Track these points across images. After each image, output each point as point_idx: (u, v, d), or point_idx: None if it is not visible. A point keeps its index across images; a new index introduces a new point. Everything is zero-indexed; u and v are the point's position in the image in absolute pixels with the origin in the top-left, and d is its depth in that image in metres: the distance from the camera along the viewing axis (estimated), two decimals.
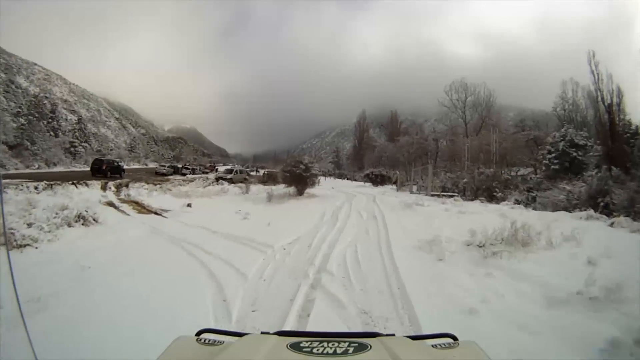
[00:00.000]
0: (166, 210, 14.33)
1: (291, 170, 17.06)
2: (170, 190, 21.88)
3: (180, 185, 25.21)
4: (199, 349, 1.13)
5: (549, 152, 23.48)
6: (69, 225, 10.01)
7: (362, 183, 34.07)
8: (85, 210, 10.97)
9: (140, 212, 13.99)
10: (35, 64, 65.58)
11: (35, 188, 14.27)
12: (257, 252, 7.33)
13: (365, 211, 12.25)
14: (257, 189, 20.67)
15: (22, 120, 35.60)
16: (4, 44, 56.23)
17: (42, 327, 3.23)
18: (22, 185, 14.12)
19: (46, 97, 51.39)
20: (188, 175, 39.00)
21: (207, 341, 1.19)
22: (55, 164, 33.51)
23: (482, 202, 15.87)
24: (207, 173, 45.70)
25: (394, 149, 45.69)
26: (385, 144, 61.39)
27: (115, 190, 19.82)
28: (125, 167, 44.80)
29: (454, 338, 1.22)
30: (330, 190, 20.72)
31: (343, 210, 12.53)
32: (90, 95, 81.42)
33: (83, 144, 45.62)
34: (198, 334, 1.25)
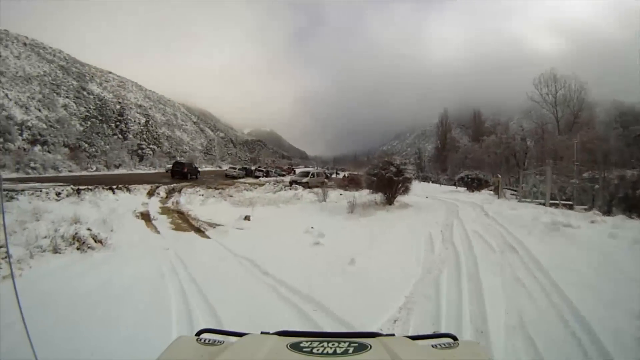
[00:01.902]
0: (215, 225, 12.09)
1: (379, 173, 15.31)
2: (232, 196, 20.16)
3: (247, 190, 23.71)
4: (199, 349, 1.23)
5: None
6: (56, 250, 7.48)
7: (451, 187, 33.22)
8: (88, 229, 8.80)
9: (177, 228, 11.67)
10: (110, 72, 76.21)
11: (58, 194, 12.74)
12: None
13: (489, 234, 8.90)
14: (336, 195, 19.42)
15: (88, 124, 38.28)
16: (79, 55, 68.39)
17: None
18: (41, 192, 12.66)
19: (119, 102, 56.25)
20: (261, 179, 38.70)
21: (207, 341, 1.28)
22: (117, 167, 35.73)
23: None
24: (283, 176, 46.00)
25: (479, 150, 46.40)
26: (469, 144, 62.30)
27: (164, 196, 18.18)
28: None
29: (454, 338, 1.31)
30: (421, 197, 18.55)
31: (455, 232, 9.43)
32: (167, 101, 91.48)
33: (151, 146, 47.93)
34: (198, 333, 1.37)
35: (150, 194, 18.27)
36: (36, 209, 10.38)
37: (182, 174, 30.75)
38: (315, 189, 21.77)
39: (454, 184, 34.44)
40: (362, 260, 6.94)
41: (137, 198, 16.40)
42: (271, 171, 50.37)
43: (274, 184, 27.67)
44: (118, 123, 46.08)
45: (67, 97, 49.20)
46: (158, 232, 10.78)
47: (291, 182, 26.90)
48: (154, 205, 15.22)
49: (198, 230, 11.46)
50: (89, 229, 8.93)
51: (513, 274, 5.92)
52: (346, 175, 35.46)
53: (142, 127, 51.95)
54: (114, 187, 16.49)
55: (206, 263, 7.58)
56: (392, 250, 8.09)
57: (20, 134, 28.29)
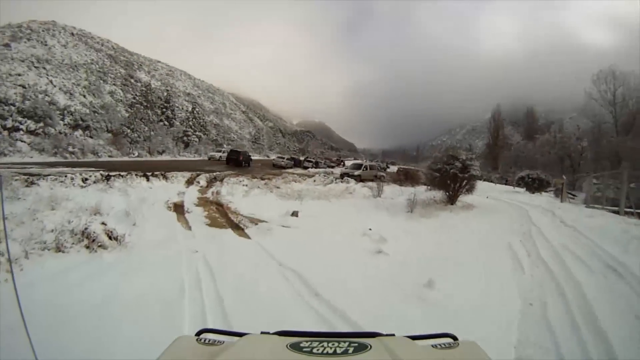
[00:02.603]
0: (257, 221, 10.78)
1: (442, 168, 14.71)
2: (278, 188, 18.89)
3: (295, 181, 22.48)
4: (199, 349, 1.26)
5: None
6: (59, 249, 6.24)
7: (505, 186, 32.77)
8: (102, 223, 7.56)
9: (213, 223, 10.36)
10: (159, 61, 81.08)
11: (84, 180, 11.83)
12: None
13: (582, 250, 7.41)
14: (390, 190, 18.71)
15: (132, 110, 39.54)
16: (128, 46, 72.80)
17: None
18: (66, 177, 11.79)
19: (167, 90, 58.21)
20: (310, 170, 38.32)
21: (207, 341, 1.32)
22: (160, 153, 36.43)
23: None
24: (332, 167, 45.89)
25: (533, 148, 47.25)
26: (522, 143, 63.24)
27: (205, 185, 17.08)
28: None
29: (454, 338, 1.37)
30: (480, 196, 17.21)
31: (539, 245, 8.30)
32: (216, 90, 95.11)
33: (197, 133, 48.49)
34: (198, 333, 1.40)
35: (190, 182, 17.26)
36: (54, 197, 9.44)
37: (237, 161, 33.04)
38: (368, 183, 20.85)
39: (505, 182, 35.02)
40: (442, 282, 5.79)
41: (173, 187, 15.41)
42: (320, 162, 49.84)
43: (324, 176, 26.75)
44: (164, 110, 46.97)
45: (114, 84, 50.98)
46: (189, 228, 9.46)
47: (342, 175, 26.01)
48: (190, 196, 14.09)
49: (237, 227, 10.09)
50: (103, 223, 7.69)
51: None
52: (400, 169, 33.99)
53: (188, 114, 52.74)
54: (149, 174, 15.51)
55: (241, 275, 6.08)
56: (472, 266, 7.01)
57: (62, 119, 28.91)
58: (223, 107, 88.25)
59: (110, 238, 7.45)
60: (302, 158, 48.55)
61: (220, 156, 37.05)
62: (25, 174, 11.88)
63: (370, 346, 1.20)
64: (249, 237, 9.00)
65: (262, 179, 21.33)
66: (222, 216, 11.38)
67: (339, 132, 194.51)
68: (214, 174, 20.57)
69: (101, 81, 48.03)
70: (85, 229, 7.13)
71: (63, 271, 5.84)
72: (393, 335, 1.41)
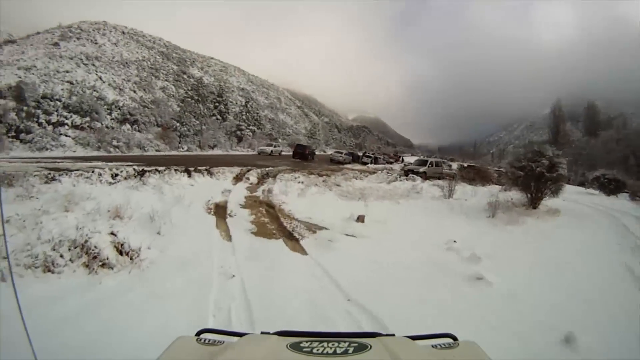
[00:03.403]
0: (316, 228, 9.13)
1: (527, 166, 13.66)
2: (338, 185, 17.15)
3: (356, 178, 20.72)
4: (199, 349, 1.30)
5: None
6: (48, 268, 4.80)
7: (577, 188, 30.78)
8: (112, 233, 5.91)
9: (260, 231, 8.69)
10: (212, 58, 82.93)
11: (114, 176, 10.69)
12: None
13: None
14: (461, 190, 17.22)
15: (182, 105, 40.57)
16: (182, 44, 75.28)
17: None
18: (93, 172, 10.67)
19: (219, 84, 59.58)
20: (369, 165, 36.82)
21: (207, 341, 1.36)
22: (212, 147, 36.21)
23: None
24: (391, 163, 45.21)
25: (596, 145, 49.23)
26: (583, 139, 65.40)
27: (255, 182, 15.58)
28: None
29: (454, 338, 1.43)
30: (559, 199, 15.22)
31: None
32: (270, 85, 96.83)
33: (251, 127, 48.39)
34: (198, 334, 1.45)
35: (238, 178, 15.80)
36: (73, 196, 8.11)
37: (303, 155, 35.73)
38: (439, 182, 19.35)
39: (567, 181, 30.81)
40: (583, 337, 4.31)
41: (219, 184, 13.98)
42: (379, 158, 48.09)
43: (387, 172, 25.05)
44: (217, 104, 47.16)
45: (166, 80, 52.20)
46: (229, 238, 7.75)
47: (407, 172, 24.85)
48: (237, 194, 12.53)
49: (290, 237, 8.30)
50: (112, 233, 6.07)
51: None
52: (468, 166, 32.90)
53: (242, 108, 53.02)
54: (192, 169, 14.14)
55: (292, 318, 4.16)
56: (610, 307, 5.50)
57: (109, 113, 29.33)
58: (278, 102, 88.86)
59: (120, 253, 5.86)
60: (360, 153, 47.43)
61: (272, 150, 36.60)
62: (52, 169, 10.86)
63: (370, 346, 1.24)
64: (305, 252, 7.23)
65: (320, 175, 19.53)
66: (273, 220, 9.61)
67: (395, 128, 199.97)
68: (267, 169, 19.03)
69: (153, 77, 49.15)
70: (85, 242, 5.54)
71: (42, 303, 4.24)
72: (393, 335, 1.47)
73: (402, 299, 5.16)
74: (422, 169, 25.18)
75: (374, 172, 25.04)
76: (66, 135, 22.53)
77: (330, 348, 1.21)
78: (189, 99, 39.24)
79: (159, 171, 12.44)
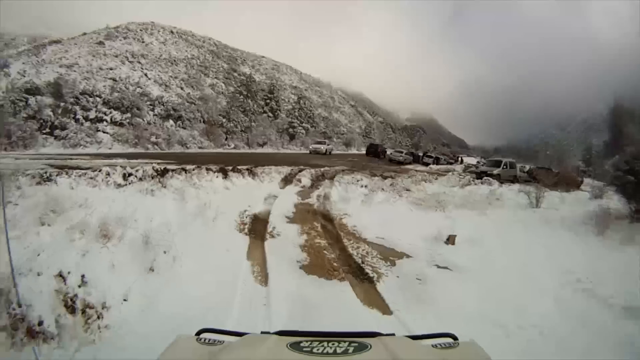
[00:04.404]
0: (393, 257, 6.79)
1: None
2: (409, 190, 14.45)
3: (425, 181, 17.87)
4: (199, 348, 1.29)
5: None
6: None
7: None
8: (60, 275, 3.67)
9: (314, 264, 6.03)
10: (264, 57, 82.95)
11: (126, 176, 8.55)
12: None
13: None
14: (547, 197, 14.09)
15: (229, 100, 41.29)
16: (231, 42, 76.11)
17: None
18: (100, 172, 8.40)
19: (271, 82, 58.71)
20: (431, 166, 34.79)
21: (207, 341, 1.35)
22: (261, 145, 34.30)
23: None
24: (451, 164, 44.40)
25: None
26: None
27: (308, 185, 13.32)
28: (355, 151, 50.60)
29: (454, 338, 1.42)
30: None
31: None
32: (323, 84, 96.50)
33: (304, 124, 46.49)
34: (198, 333, 1.43)
35: (287, 180, 13.31)
36: (62, 201, 5.95)
37: (376, 153, 38.04)
38: (522, 187, 16.40)
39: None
40: None
41: (262, 187, 11.56)
42: (440, 158, 46.83)
43: (459, 175, 22.81)
44: (268, 100, 45.68)
45: (215, 77, 51.75)
46: (264, 279, 5.02)
47: (480, 174, 22.99)
48: (285, 202, 9.98)
49: (359, 274, 5.62)
50: (61, 275, 3.66)
51: None
52: (536, 168, 29.73)
53: (294, 105, 51.83)
54: (229, 168, 11.72)
55: None
56: None
57: (152, 109, 28.72)
58: (331, 101, 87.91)
59: (72, 310, 3.35)
60: (420, 153, 45.73)
61: (327, 149, 33.80)
62: (58, 167, 8.87)
63: (370, 346, 1.23)
64: (387, 309, 4.60)
65: (384, 177, 16.63)
66: (333, 243, 6.90)
67: (449, 128, 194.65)
68: (322, 169, 16.38)
69: (202, 75, 48.74)
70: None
71: None
72: (393, 335, 1.47)
73: None
74: (495, 171, 23.43)
75: (444, 174, 23.13)
76: (104, 132, 21.76)
77: (330, 348, 1.20)
78: (238, 94, 37.58)
79: (185, 170, 10.05)
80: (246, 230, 7.08)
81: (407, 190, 14.47)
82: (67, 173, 8.19)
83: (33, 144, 17.82)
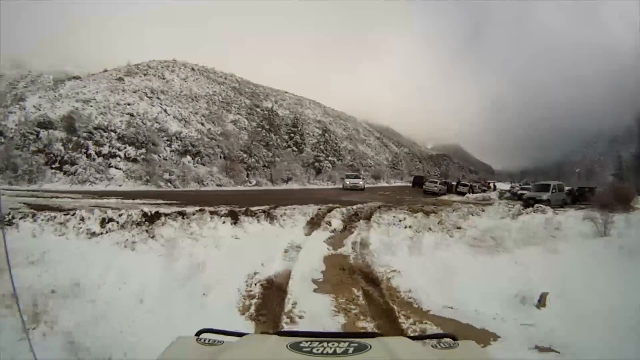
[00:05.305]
0: (473, 340, 4.91)
1: None
2: (460, 228, 12.39)
3: (472, 214, 15.64)
4: (199, 349, 1.27)
5: None
6: None
7: None
8: None
9: None
10: (286, 92, 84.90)
11: (104, 223, 6.71)
12: None
13: None
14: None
15: (251, 135, 41.93)
16: (253, 78, 77.94)
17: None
18: (74, 217, 6.70)
19: (295, 116, 59.40)
20: (468, 195, 33.81)
21: (207, 341, 1.33)
22: (286, 181, 33.19)
23: None
24: (485, 191, 44.33)
25: None
26: None
27: (340, 228, 11.21)
28: (384, 184, 53.22)
29: (454, 338, 1.41)
30: None
31: None
32: (347, 117, 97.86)
33: (330, 158, 46.02)
34: (198, 333, 1.41)
35: (314, 223, 11.24)
36: (14, 254, 3.73)
37: (421, 184, 39.73)
38: (585, 213, 14.50)
39: None
40: None
41: (282, 234, 9.56)
42: (474, 186, 47.11)
43: (506, 204, 20.37)
44: (292, 134, 45.74)
45: (238, 113, 52.14)
46: None
47: (527, 200, 21.69)
48: (311, 256, 7.90)
49: None
50: None
51: None
52: (576, 188, 29.95)
53: (319, 138, 51.59)
54: (241, 210, 9.70)
55: None
56: None
57: (169, 145, 28.67)
58: (356, 133, 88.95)
59: None
60: (454, 183, 45.58)
61: (360, 183, 32.09)
62: (35, 207, 7.18)
63: (370, 346, 1.22)
64: None
65: (425, 212, 14.30)
66: (384, 321, 4.79)
67: (474, 154, 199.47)
68: (354, 206, 14.22)
69: (224, 110, 48.99)
70: None
71: None
72: (393, 335, 1.65)
73: None
74: (545, 196, 22.19)
75: (481, 203, 21.93)
76: (116, 168, 21.34)
77: (330, 348, 1.19)
78: (260, 129, 36.96)
79: (183, 215, 8.05)
80: (252, 309, 5.01)
81: (457, 228, 12.25)
82: (33, 216, 6.43)
83: (39, 179, 17.82)
